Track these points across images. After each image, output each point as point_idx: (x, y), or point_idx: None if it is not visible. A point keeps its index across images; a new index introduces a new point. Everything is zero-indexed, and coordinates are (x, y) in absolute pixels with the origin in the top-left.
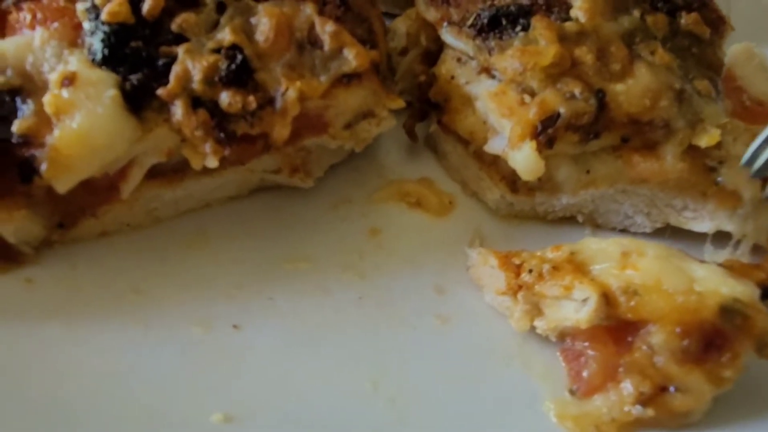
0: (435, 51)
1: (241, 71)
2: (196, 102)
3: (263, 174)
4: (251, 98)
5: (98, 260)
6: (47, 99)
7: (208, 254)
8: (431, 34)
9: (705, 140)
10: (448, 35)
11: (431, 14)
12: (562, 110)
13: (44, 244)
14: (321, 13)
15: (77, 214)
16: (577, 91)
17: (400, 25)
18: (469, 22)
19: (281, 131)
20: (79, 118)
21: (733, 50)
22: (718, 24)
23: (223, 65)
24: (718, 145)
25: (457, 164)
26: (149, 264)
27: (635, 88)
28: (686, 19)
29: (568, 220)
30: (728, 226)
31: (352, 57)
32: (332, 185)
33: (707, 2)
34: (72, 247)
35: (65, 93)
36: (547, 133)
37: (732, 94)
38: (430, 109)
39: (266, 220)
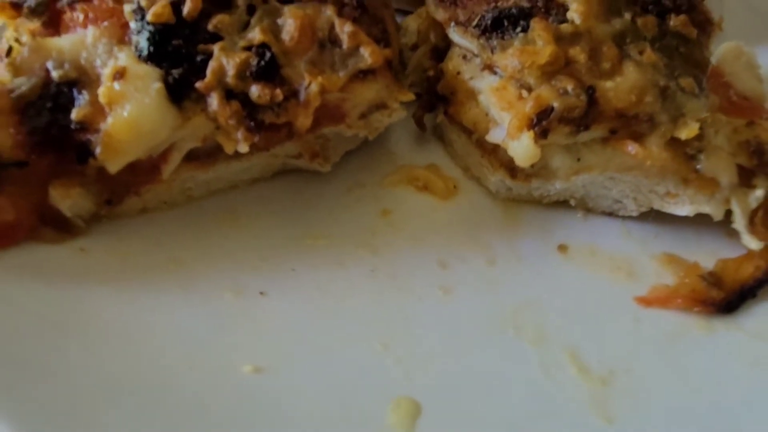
0: (443, 47)
1: (269, 67)
2: (229, 94)
3: (285, 159)
4: (278, 91)
5: (141, 234)
6: (101, 90)
7: (237, 230)
8: (440, 32)
9: (685, 133)
10: (455, 34)
11: (440, 14)
12: (555, 104)
13: (93, 219)
14: (340, 14)
15: (123, 192)
16: (569, 87)
17: (412, 23)
18: (474, 22)
19: (304, 121)
20: (129, 107)
21: (722, 48)
22: (705, 25)
23: (254, 62)
24: (700, 137)
25: (461, 152)
26: (185, 238)
27: (623, 85)
28: (675, 21)
29: (561, 203)
30: (707, 209)
31: (368, 54)
32: (347, 170)
33: (695, 4)
34: (117, 222)
35: (117, 85)
36: (541, 125)
37: (720, 89)
38: (437, 101)
39: (288, 200)
